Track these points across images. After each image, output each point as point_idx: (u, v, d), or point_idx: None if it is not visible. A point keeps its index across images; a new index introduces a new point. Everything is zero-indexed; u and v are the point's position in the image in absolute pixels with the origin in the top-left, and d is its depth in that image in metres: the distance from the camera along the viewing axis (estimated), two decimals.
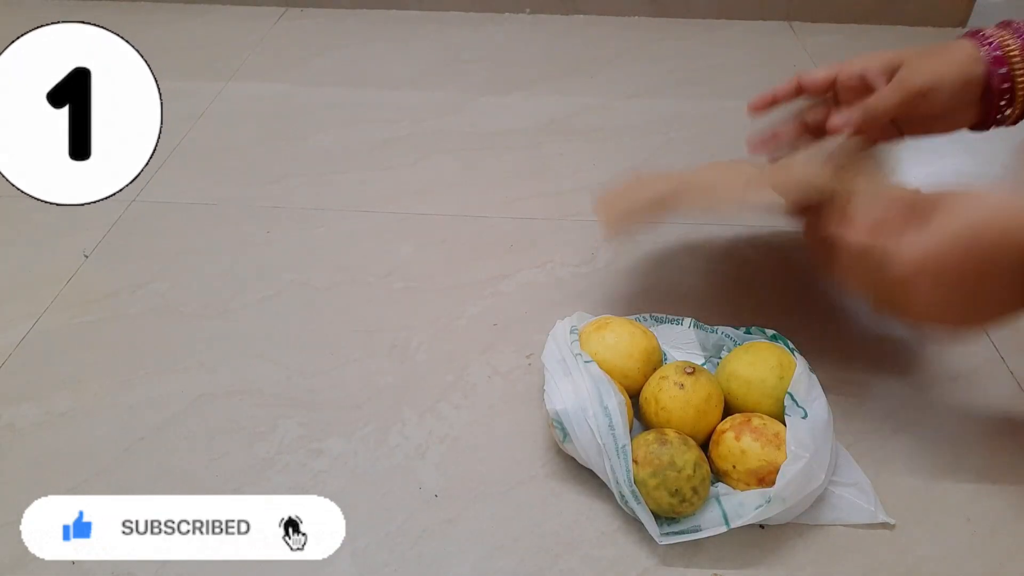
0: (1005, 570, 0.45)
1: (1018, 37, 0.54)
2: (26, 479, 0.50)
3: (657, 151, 0.84)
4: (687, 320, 0.57)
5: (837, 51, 1.05)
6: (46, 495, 0.48)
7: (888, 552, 0.46)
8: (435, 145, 0.85)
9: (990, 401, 0.55)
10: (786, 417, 0.47)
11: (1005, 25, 0.55)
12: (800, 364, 0.49)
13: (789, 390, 0.48)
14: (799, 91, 0.61)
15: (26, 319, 0.62)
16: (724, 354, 0.54)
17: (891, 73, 0.57)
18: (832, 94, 0.60)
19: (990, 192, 0.43)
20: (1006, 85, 0.53)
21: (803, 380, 0.48)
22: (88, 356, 0.59)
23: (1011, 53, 0.53)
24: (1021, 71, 0.53)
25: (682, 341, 0.57)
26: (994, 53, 0.54)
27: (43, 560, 0.45)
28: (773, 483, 0.44)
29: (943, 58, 0.55)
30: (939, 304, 0.44)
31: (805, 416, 0.47)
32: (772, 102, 0.62)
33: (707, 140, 0.85)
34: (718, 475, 0.48)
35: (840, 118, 0.57)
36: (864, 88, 0.58)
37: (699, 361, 0.56)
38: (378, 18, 1.15)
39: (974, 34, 0.56)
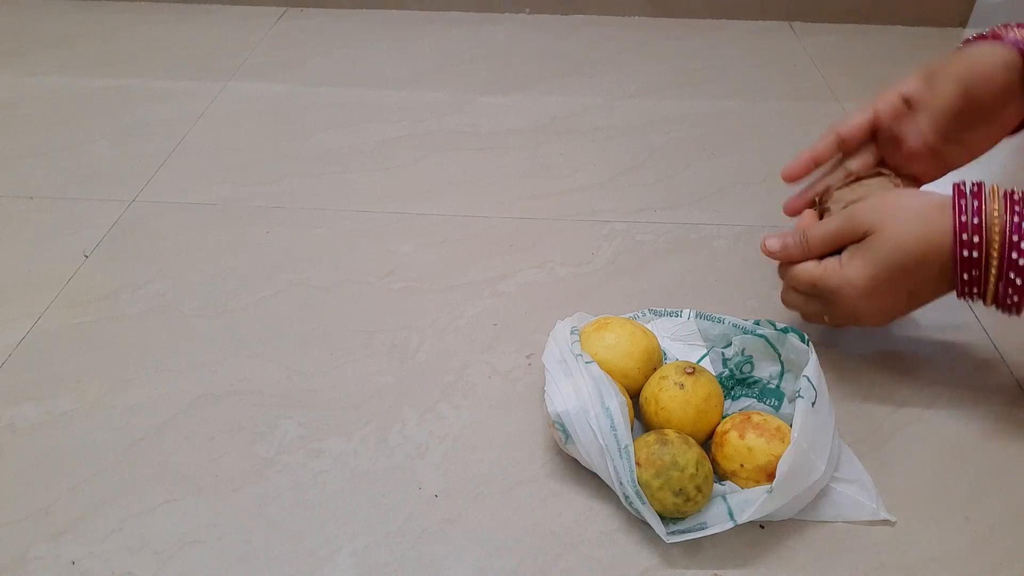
0: (1005, 570, 0.45)
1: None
2: (26, 479, 0.50)
3: (657, 151, 0.84)
4: (687, 311, 0.57)
5: (837, 51, 1.05)
6: (46, 495, 0.49)
7: (888, 552, 0.46)
8: (435, 145, 0.85)
9: (990, 401, 0.55)
10: (798, 399, 0.47)
11: (1007, 27, 0.56)
12: (812, 355, 0.49)
13: (805, 372, 0.48)
14: (840, 145, 0.59)
15: (26, 319, 0.62)
16: (729, 345, 0.54)
17: (931, 83, 0.56)
18: (873, 136, 0.59)
19: (912, 205, 0.50)
20: None
21: (815, 367, 0.48)
22: (88, 356, 0.59)
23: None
24: None
25: (682, 333, 0.57)
26: (1021, 45, 0.54)
27: (43, 560, 0.45)
28: None
29: (975, 54, 0.55)
30: (881, 311, 0.53)
31: (814, 403, 0.46)
32: (813, 166, 0.60)
33: (707, 140, 0.86)
34: (724, 476, 0.48)
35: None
36: (909, 110, 0.57)
37: (700, 352, 0.56)
38: (378, 18, 1.15)
39: (985, 36, 0.56)
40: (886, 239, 0.49)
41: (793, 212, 0.60)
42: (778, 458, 0.45)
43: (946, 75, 0.55)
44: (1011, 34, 0.55)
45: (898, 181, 0.57)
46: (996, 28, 0.56)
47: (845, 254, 0.52)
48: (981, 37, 0.57)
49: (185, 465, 0.51)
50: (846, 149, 0.59)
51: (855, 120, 0.58)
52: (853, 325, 0.57)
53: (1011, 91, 0.54)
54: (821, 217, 0.58)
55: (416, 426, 0.53)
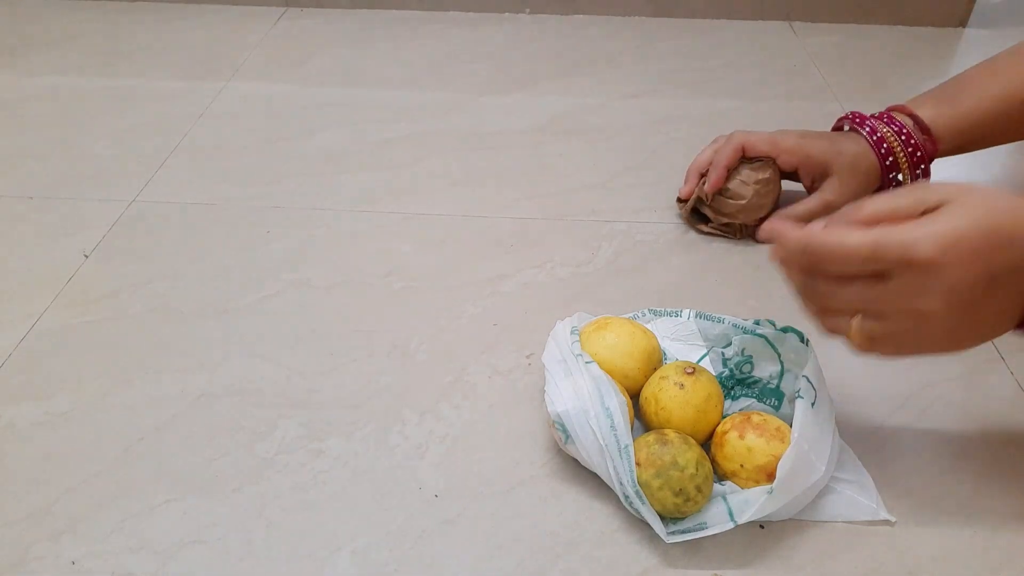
0: (1005, 570, 0.45)
1: (888, 125, 0.66)
2: (26, 479, 0.50)
3: (657, 151, 0.84)
4: (687, 312, 0.57)
5: (837, 51, 1.05)
6: (46, 495, 0.49)
7: (888, 552, 0.46)
8: (435, 145, 0.85)
9: (990, 401, 0.55)
10: (797, 400, 0.47)
11: (885, 120, 0.67)
12: (812, 355, 0.49)
13: (804, 373, 0.48)
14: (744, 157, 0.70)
15: (26, 319, 0.62)
16: (729, 345, 0.54)
17: (821, 177, 0.68)
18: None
19: (996, 189, 0.41)
20: (892, 175, 0.66)
21: (815, 367, 0.48)
22: (88, 356, 0.59)
23: (894, 146, 0.66)
24: (904, 162, 0.66)
25: (682, 333, 0.57)
26: (882, 149, 0.66)
27: (43, 560, 0.45)
28: None
29: (862, 178, 0.67)
30: (959, 292, 0.39)
31: (814, 403, 0.46)
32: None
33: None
34: (724, 476, 0.48)
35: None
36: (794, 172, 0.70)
37: (700, 352, 0.56)
38: (378, 18, 1.15)
39: (862, 125, 0.67)
40: (972, 202, 0.39)
41: (688, 193, 0.71)
42: (778, 458, 0.45)
43: (836, 190, 0.67)
44: (869, 126, 0.67)
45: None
46: (856, 117, 0.68)
47: (913, 221, 0.40)
48: (847, 120, 0.69)
49: (185, 465, 0.51)
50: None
51: (761, 148, 0.69)
52: (910, 334, 0.42)
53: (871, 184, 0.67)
54: (698, 203, 0.71)
55: (416, 426, 0.53)
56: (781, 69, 1.01)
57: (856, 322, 0.42)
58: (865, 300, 0.42)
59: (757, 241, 0.70)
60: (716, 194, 0.69)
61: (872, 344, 0.43)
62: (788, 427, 0.47)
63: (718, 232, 0.71)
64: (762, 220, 0.70)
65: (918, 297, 0.40)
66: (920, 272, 0.39)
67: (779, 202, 0.71)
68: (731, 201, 0.69)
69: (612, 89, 0.96)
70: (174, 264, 0.68)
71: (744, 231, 0.71)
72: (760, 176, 0.68)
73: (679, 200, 0.73)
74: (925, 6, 1.11)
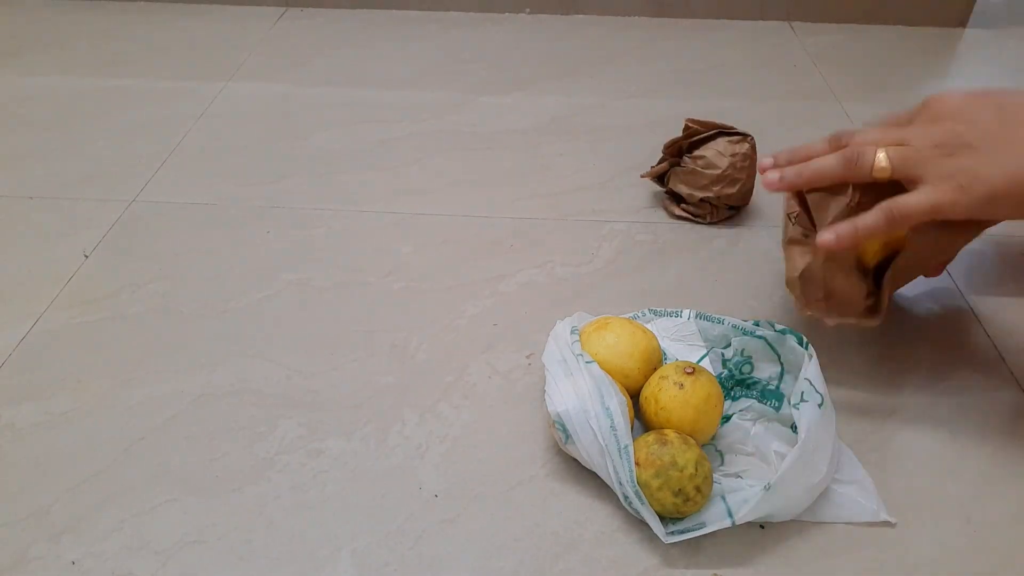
0: (1005, 570, 0.45)
1: None
2: (26, 479, 0.50)
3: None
4: (687, 312, 0.57)
5: (837, 51, 1.05)
6: (46, 495, 0.49)
7: (888, 552, 0.46)
8: (435, 145, 0.85)
9: (990, 401, 0.55)
10: (803, 403, 0.47)
11: None
12: (812, 357, 0.49)
13: (805, 375, 0.48)
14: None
15: (26, 319, 0.62)
16: (729, 346, 0.54)
17: None
18: None
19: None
20: None
21: (815, 369, 0.48)
22: (88, 356, 0.59)
23: None
24: None
25: (682, 333, 0.57)
26: None
27: (43, 560, 0.45)
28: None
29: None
30: (972, 114, 0.47)
31: (820, 405, 0.47)
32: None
33: None
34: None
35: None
36: None
37: (700, 352, 0.56)
38: (378, 18, 1.15)
39: None
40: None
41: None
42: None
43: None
44: None
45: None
46: None
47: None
48: None
49: (185, 465, 0.51)
50: None
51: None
52: (945, 148, 0.46)
53: None
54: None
55: (416, 426, 0.53)
56: (781, 69, 1.01)
57: (882, 151, 0.48)
58: (887, 137, 0.49)
59: (720, 221, 0.71)
60: (691, 166, 0.70)
61: (904, 162, 0.48)
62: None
63: (690, 215, 0.72)
64: (737, 194, 0.70)
65: (932, 124, 0.48)
66: (928, 108, 0.49)
67: (755, 177, 0.71)
68: (706, 171, 0.69)
69: (612, 89, 0.96)
70: (174, 264, 0.68)
71: (717, 213, 0.71)
72: (737, 149, 0.69)
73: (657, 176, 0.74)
74: (925, 6, 1.11)
